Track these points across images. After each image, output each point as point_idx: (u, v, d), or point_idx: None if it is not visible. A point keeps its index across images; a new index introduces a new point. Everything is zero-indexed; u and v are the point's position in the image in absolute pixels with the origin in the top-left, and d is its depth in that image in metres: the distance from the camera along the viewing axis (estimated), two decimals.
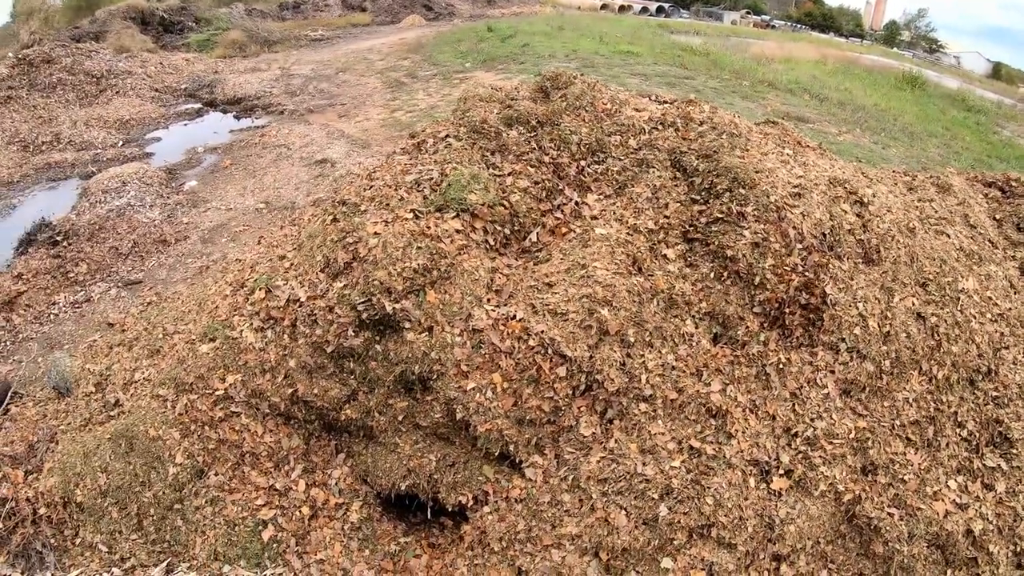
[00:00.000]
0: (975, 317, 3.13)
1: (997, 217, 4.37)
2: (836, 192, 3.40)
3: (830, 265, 2.91)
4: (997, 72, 35.10)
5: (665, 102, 4.22)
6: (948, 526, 2.50)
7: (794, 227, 2.98)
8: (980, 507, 2.61)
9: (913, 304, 3.00)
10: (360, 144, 8.13)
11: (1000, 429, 2.88)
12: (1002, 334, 3.18)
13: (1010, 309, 3.30)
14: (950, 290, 3.15)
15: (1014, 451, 2.82)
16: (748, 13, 37.83)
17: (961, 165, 7.89)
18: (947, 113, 13.37)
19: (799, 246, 2.91)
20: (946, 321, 3.01)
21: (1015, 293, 3.46)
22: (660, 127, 3.67)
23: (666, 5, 32.40)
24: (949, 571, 2.50)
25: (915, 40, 44.40)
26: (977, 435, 2.84)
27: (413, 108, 9.60)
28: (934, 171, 4.97)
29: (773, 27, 33.91)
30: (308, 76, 11.95)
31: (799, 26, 38.07)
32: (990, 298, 3.31)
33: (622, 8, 28.37)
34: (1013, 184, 4.81)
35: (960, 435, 2.83)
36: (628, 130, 3.62)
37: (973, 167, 9.24)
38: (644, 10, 29.79)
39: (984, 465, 2.77)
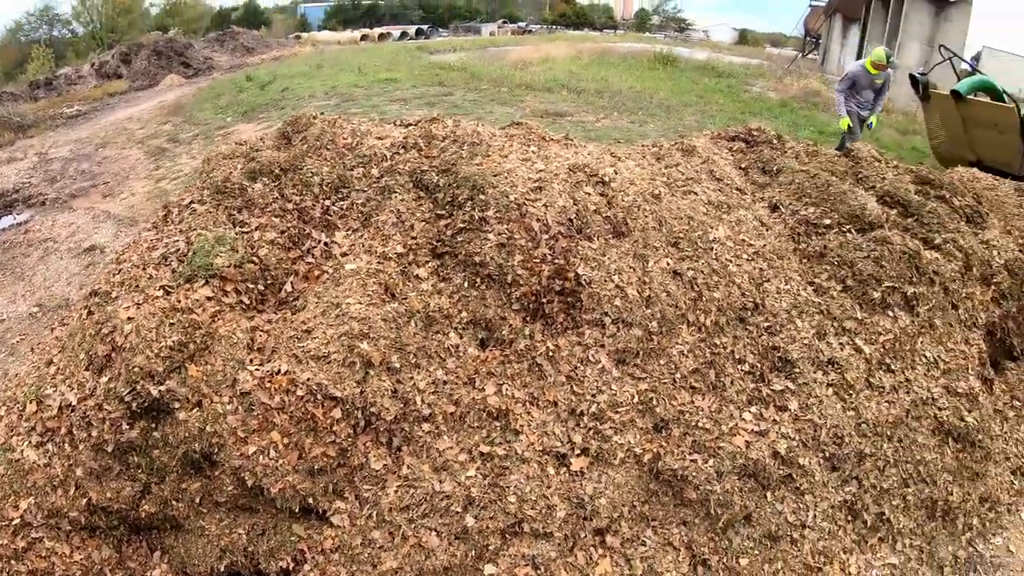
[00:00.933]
0: (731, 261, 4.11)
1: (743, 166, 5.68)
2: (578, 178, 4.27)
3: (579, 247, 3.67)
4: (743, 38, 44.06)
5: (409, 124, 5.06)
6: (753, 454, 3.25)
7: (538, 219, 3.70)
8: (780, 428, 3.46)
9: (668, 264, 3.87)
10: (128, 222, 9.14)
11: (779, 354, 3.86)
12: (761, 270, 4.18)
13: (764, 245, 4.36)
14: (702, 243, 4.09)
15: (797, 370, 3.78)
16: (505, 22, 46.53)
17: (717, 126, 10.04)
18: (699, 83, 17.31)
19: (545, 236, 3.63)
20: (703, 272, 3.92)
21: (767, 230, 4.56)
22: (402, 150, 4.46)
23: (425, 27, 39.55)
24: (768, 494, 3.19)
25: (665, 22, 54.95)
26: (759, 366, 3.74)
27: (178, 174, 10.92)
28: (679, 139, 6.10)
29: (530, 32, 41.71)
30: (67, 158, 13.04)
31: (555, 27, 47.02)
32: (743, 240, 4.34)
33: (382, 36, 34.13)
34: (755, 134, 6.24)
35: (743, 370, 3.69)
36: (370, 160, 4.36)
37: (728, 124, 11.42)
38: (404, 35, 36.22)
39: (773, 390, 3.65)
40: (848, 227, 4.67)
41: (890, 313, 4.20)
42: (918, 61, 16.54)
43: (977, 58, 17.53)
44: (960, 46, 21.29)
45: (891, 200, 5.13)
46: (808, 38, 36.44)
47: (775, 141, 6.17)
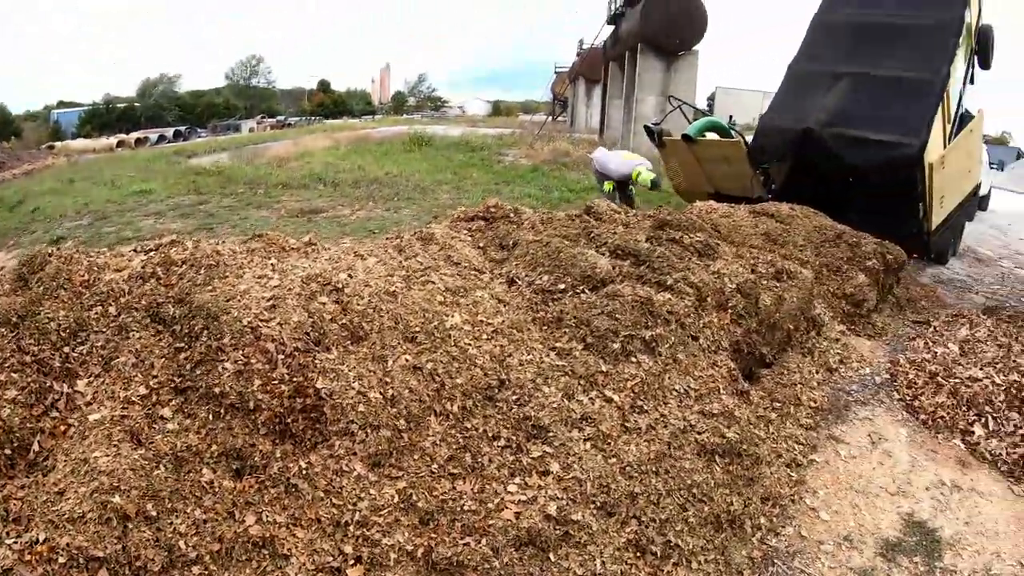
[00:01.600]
0: (471, 344, 4.97)
1: (481, 245, 6.60)
2: (312, 288, 5.07)
3: (317, 361, 4.26)
4: (497, 109, 49.16)
5: (149, 250, 5.63)
6: (525, 523, 4.05)
7: (273, 340, 4.35)
8: (546, 491, 4.25)
9: (407, 361, 4.66)
10: None
11: (532, 423, 4.72)
12: (502, 346, 5.10)
13: (503, 322, 5.28)
14: (439, 332, 4.92)
15: (551, 433, 4.72)
16: (264, 117, 50.61)
17: (471, 201, 11.31)
18: (454, 159, 20.48)
19: (282, 356, 4.25)
20: (443, 361, 4.74)
21: (505, 305, 5.43)
22: (140, 282, 5.02)
23: (183, 128, 42.27)
24: (551, 555, 3.93)
25: (422, 102, 60.37)
26: (515, 438, 4.62)
27: None
28: (422, 227, 6.99)
29: (290, 125, 45.65)
30: None
31: (314, 118, 51.68)
32: (482, 321, 5.21)
33: (139, 142, 36.14)
34: (492, 210, 7.22)
35: (499, 446, 4.57)
36: (108, 297, 4.88)
37: (483, 197, 13.38)
38: (161, 138, 38.82)
39: (532, 458, 4.53)
40: (582, 288, 5.77)
41: (633, 359, 5.26)
42: (655, 111, 19.56)
43: (712, 97, 21.55)
44: (691, 92, 25.72)
45: (623, 252, 6.31)
46: (556, 102, 40.99)
47: (512, 215, 7.29)
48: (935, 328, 9.00)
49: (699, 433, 5.16)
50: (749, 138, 12.83)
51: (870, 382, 7.36)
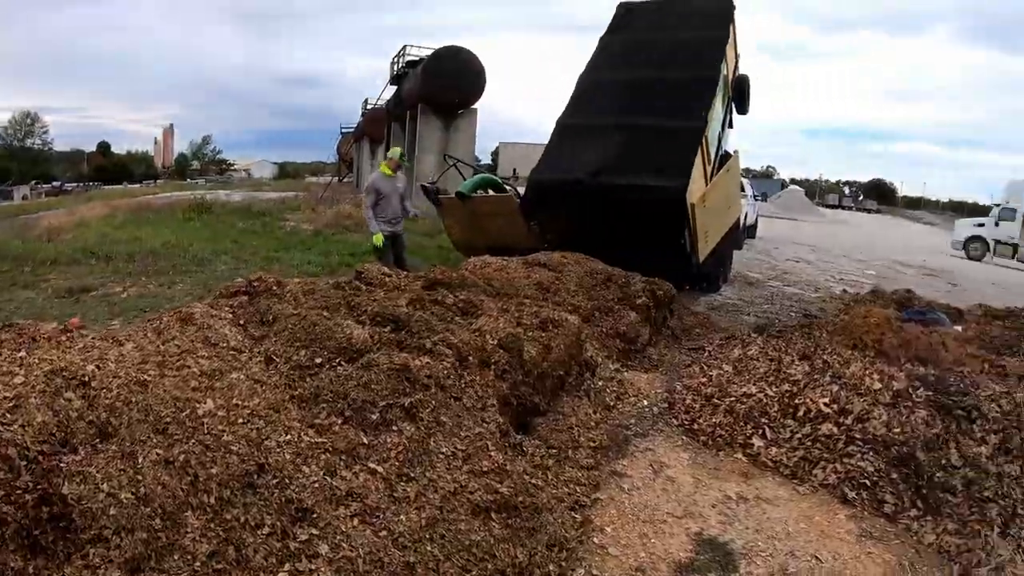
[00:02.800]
0: (225, 431, 4.75)
1: (242, 322, 6.46)
2: (57, 384, 4.75)
3: (62, 465, 3.92)
4: (284, 172, 48.30)
5: None
6: None
7: (16, 444, 4.08)
8: (318, 574, 4.15)
9: (158, 455, 4.45)
10: None
11: (295, 506, 4.40)
12: (258, 429, 4.97)
13: (259, 403, 5.10)
14: (191, 421, 4.76)
15: (316, 514, 4.44)
16: (38, 183, 47.92)
17: (248, 270, 11.11)
18: (235, 226, 19.93)
19: (25, 462, 3.87)
20: (195, 452, 4.56)
21: (262, 386, 5.20)
22: None
23: None
24: None
25: (205, 166, 58.03)
26: (279, 523, 4.34)
27: None
28: (177, 307, 6.79)
29: (66, 191, 42.96)
30: None
31: (92, 184, 49.01)
32: (237, 404, 5.05)
33: None
34: (255, 284, 7.11)
35: (264, 534, 4.49)
36: None
37: (262, 265, 13.33)
38: None
39: (300, 542, 4.39)
40: (338, 360, 5.65)
41: (394, 428, 5.24)
42: (435, 170, 20.11)
43: (496, 152, 22.70)
44: (471, 149, 26.64)
45: (382, 319, 6.30)
46: (342, 162, 41.24)
47: (275, 287, 7.11)
48: (709, 352, 9.62)
49: (471, 493, 5.16)
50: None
51: (648, 413, 7.72)
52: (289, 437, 5.12)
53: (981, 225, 35.76)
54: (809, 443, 6.88)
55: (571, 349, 7.35)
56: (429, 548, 4.75)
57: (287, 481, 4.81)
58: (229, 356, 5.91)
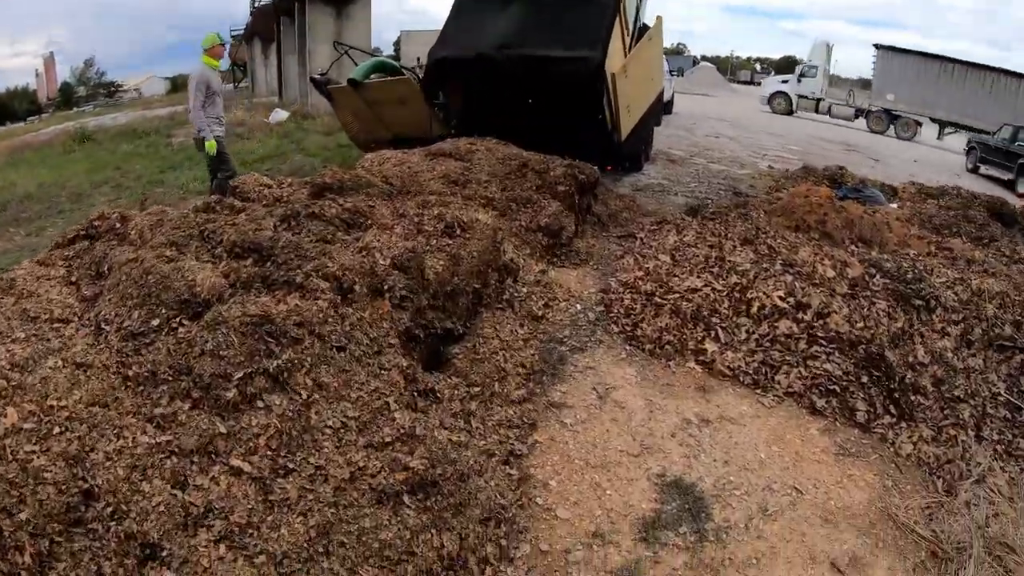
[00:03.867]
0: (36, 452, 3.44)
1: (74, 279, 5.09)
2: None
3: None
4: (175, 86, 44.65)
5: None
6: None
7: None
8: None
9: None
10: None
11: (140, 540, 3.26)
12: (80, 439, 3.60)
13: (81, 399, 3.82)
14: None
15: (166, 548, 3.26)
16: None
17: (130, 199, 9.32)
18: (118, 152, 17.53)
19: None
20: None
21: (85, 372, 4.21)
22: None
23: None
24: None
25: (93, 91, 53.49)
26: (121, 571, 3.17)
27: None
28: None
29: None
30: None
31: None
32: (52, 406, 3.72)
33: None
34: (96, 225, 5.79)
35: None
36: None
37: (145, 189, 12.76)
38: None
39: None
40: (179, 319, 4.06)
41: (259, 404, 3.66)
42: (327, 63, 17.98)
43: (398, 42, 20.20)
44: (366, 38, 24.17)
45: (242, 249, 4.66)
46: (236, 67, 38.26)
47: (118, 225, 5.38)
48: (641, 240, 8.26)
49: (372, 476, 3.75)
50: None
51: (583, 320, 6.35)
52: (121, 443, 3.61)
53: (785, 82, 38.05)
54: (768, 344, 5.78)
55: (486, 255, 5.86)
56: (327, 565, 3.35)
57: (124, 508, 3.30)
58: (50, 334, 4.37)
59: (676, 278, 6.75)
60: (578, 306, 6.57)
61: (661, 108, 15.64)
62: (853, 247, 8.06)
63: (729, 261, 6.87)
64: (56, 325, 4.47)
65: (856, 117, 32.20)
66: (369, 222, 5.42)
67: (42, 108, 52.07)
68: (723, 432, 4.95)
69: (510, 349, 5.48)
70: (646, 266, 7.22)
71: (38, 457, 3.53)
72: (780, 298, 6.07)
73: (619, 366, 5.67)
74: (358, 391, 4.10)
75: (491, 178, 8.14)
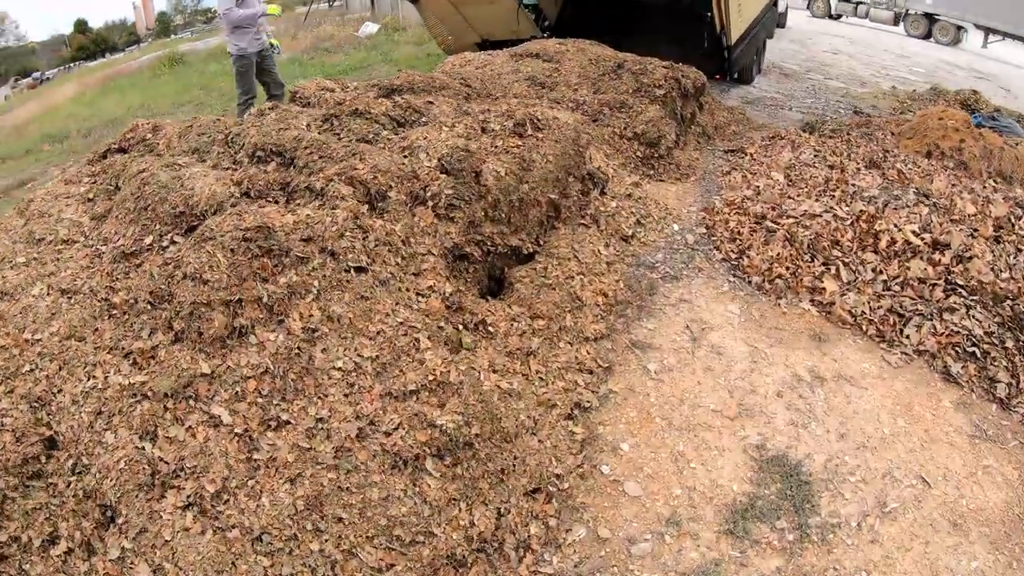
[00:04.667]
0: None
1: (91, 196, 4.36)
2: None
3: None
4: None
5: None
6: None
7: None
8: None
9: None
10: None
11: (97, 501, 2.65)
12: (48, 377, 3.01)
13: (58, 331, 3.19)
14: None
15: (125, 515, 2.59)
16: (18, 79, 43.31)
17: (215, 112, 8.82)
18: (206, 72, 16.70)
19: None
20: None
21: (69, 299, 3.45)
22: None
23: None
24: None
25: (191, 19, 53.81)
26: (78, 535, 2.58)
27: None
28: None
29: (46, 80, 38.95)
30: None
31: (73, 65, 44.31)
32: (27, 340, 3.14)
33: None
34: (130, 137, 5.02)
35: (59, 555, 2.55)
36: None
37: (227, 106, 11.58)
38: None
39: (110, 563, 2.48)
40: (171, 235, 3.14)
41: (252, 341, 2.93)
42: None
43: None
44: None
45: (265, 153, 3.72)
46: None
47: (149, 135, 4.59)
48: (752, 156, 6.94)
49: (387, 434, 2.78)
50: None
51: (680, 243, 5.19)
52: (92, 383, 2.84)
53: None
54: (897, 288, 4.51)
55: (565, 160, 4.70)
56: (315, 547, 2.45)
57: (85, 460, 2.67)
58: (49, 256, 3.71)
59: (791, 200, 5.48)
60: (675, 226, 5.38)
61: (775, 17, 13.61)
62: (992, 182, 6.53)
63: (853, 185, 5.59)
64: (59, 247, 3.79)
65: (896, 22, 28.32)
66: (424, 120, 4.33)
67: (140, 39, 52.44)
68: (840, 395, 3.83)
69: (590, 273, 4.39)
70: (756, 184, 5.96)
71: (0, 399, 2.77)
72: (914, 233, 4.78)
73: (719, 301, 4.52)
74: (380, 324, 3.15)
75: (581, 80, 6.91)
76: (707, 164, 6.87)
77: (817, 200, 5.42)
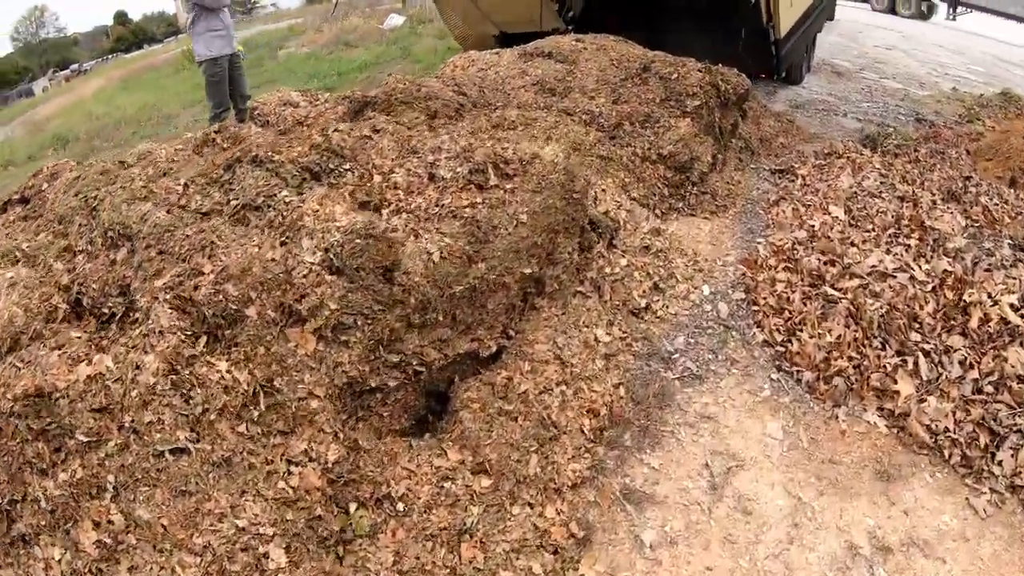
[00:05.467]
0: None
1: None
2: None
3: None
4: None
5: None
6: None
7: None
8: None
9: None
10: None
11: None
12: None
13: None
14: None
15: None
16: (56, 71, 42.44)
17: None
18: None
19: None
20: None
21: None
22: None
23: None
24: None
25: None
26: None
27: None
28: None
29: (84, 71, 38.56)
30: None
31: (110, 57, 44.05)
32: None
33: None
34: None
35: None
36: None
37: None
38: None
39: None
40: None
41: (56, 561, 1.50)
42: None
43: None
44: None
45: (116, 236, 2.45)
46: None
47: (46, 185, 3.49)
48: (804, 179, 5.48)
49: None
50: None
51: (710, 316, 3.85)
52: None
53: None
54: (991, 389, 3.11)
55: (551, 216, 3.31)
56: None
57: None
58: None
59: (855, 249, 4.08)
60: (706, 289, 4.01)
61: (830, 7, 11.51)
62: None
63: (932, 229, 4.18)
64: None
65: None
66: (348, 167, 3.01)
67: (179, 30, 51.88)
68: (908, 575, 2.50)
69: (577, 380, 3.07)
70: (811, 223, 4.55)
71: None
72: (1012, 307, 3.38)
73: (756, 415, 3.18)
74: (209, 532, 1.85)
75: (600, 86, 5.51)
76: (750, 188, 5.43)
77: (888, 250, 4.01)
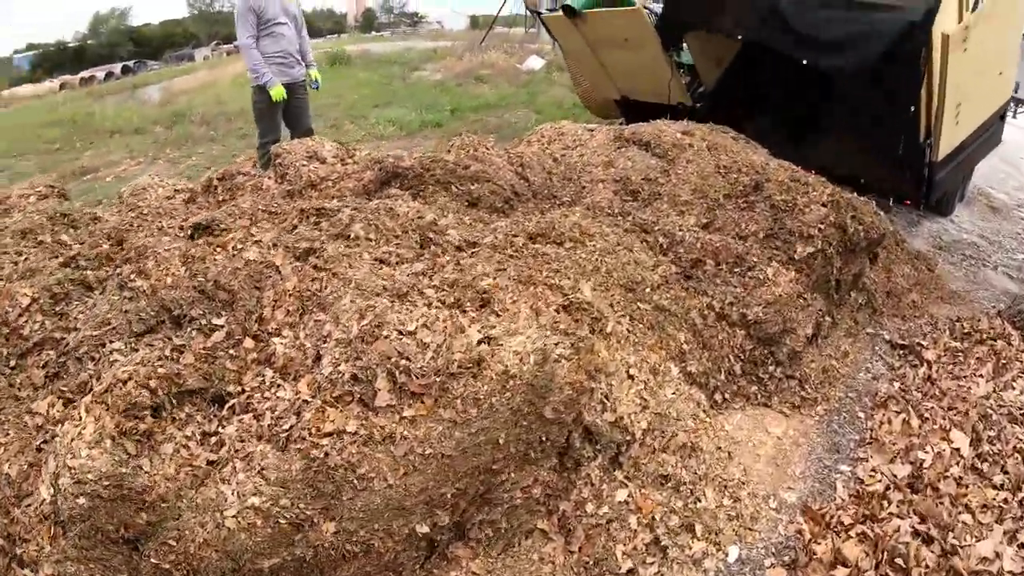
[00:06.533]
0: None
1: None
2: None
3: None
4: (475, 23, 44.12)
5: None
6: None
7: None
8: None
9: None
10: None
11: None
12: None
13: None
14: None
15: None
16: (219, 44, 42.16)
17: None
18: (353, 78, 15.40)
19: None
20: None
21: None
22: None
23: (131, 63, 36.01)
24: None
25: (396, 19, 54.57)
26: None
27: None
28: None
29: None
30: None
31: None
32: None
33: (84, 81, 29.94)
34: None
35: None
36: None
37: (349, 117, 11.03)
38: (109, 75, 31.83)
39: None
40: None
41: None
42: None
43: None
44: None
45: None
46: (529, 13, 34.38)
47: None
48: (929, 369, 3.92)
49: None
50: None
51: None
52: None
53: None
54: None
55: (490, 454, 2.03)
56: None
57: None
58: None
59: (968, 519, 2.67)
60: (732, 552, 2.64)
61: (996, 131, 8.24)
62: None
63: None
64: None
65: None
66: (215, 322, 1.87)
67: (344, 29, 52.35)
68: None
69: None
70: (921, 454, 3.09)
71: None
72: None
73: None
74: None
75: (694, 198, 4.21)
76: (859, 367, 3.97)
77: (1015, 535, 2.54)
